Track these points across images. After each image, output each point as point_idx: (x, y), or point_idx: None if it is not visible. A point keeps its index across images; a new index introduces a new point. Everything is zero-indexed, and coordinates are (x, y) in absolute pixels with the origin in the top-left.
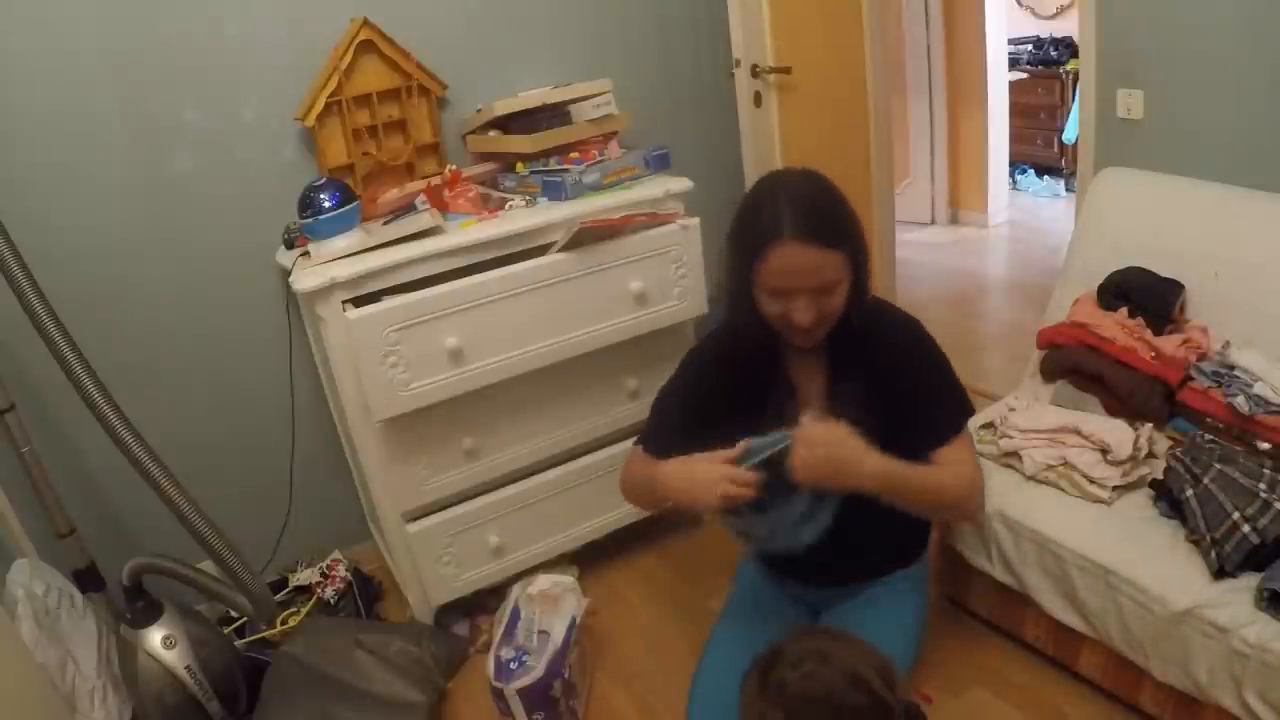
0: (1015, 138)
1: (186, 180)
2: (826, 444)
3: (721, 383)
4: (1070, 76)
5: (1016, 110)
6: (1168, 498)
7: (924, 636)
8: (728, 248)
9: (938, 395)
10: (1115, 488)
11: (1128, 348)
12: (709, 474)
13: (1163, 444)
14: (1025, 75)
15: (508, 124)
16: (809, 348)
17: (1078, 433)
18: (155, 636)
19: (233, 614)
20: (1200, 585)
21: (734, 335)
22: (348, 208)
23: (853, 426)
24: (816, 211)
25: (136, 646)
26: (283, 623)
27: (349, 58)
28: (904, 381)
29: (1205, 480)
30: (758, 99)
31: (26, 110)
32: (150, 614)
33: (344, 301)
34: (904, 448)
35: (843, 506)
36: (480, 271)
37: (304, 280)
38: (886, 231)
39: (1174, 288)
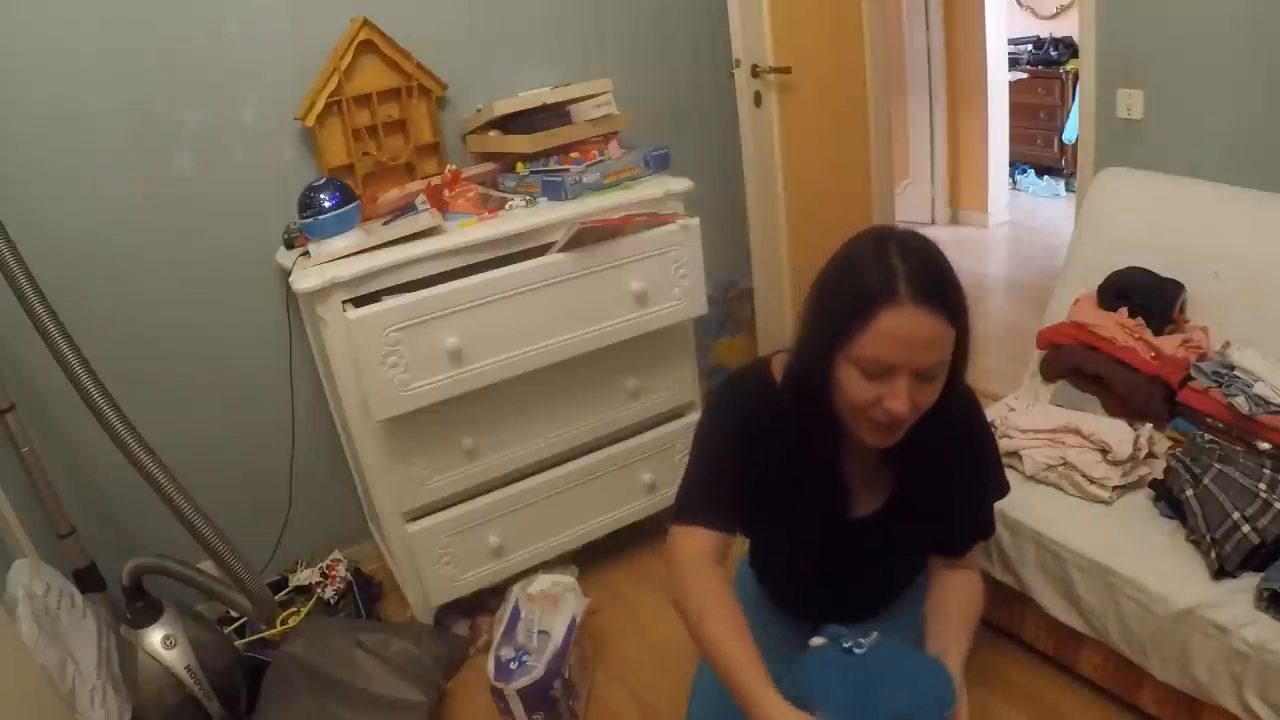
0: (1015, 138)
1: (187, 180)
2: None
3: (772, 463)
4: (1070, 76)
5: (1016, 110)
6: (1168, 498)
7: None
8: (810, 310)
9: (989, 489)
10: (1115, 488)
11: (1128, 348)
12: None
13: (1163, 444)
14: (1025, 75)
15: (508, 124)
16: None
17: (1078, 433)
18: (155, 636)
19: (233, 614)
20: (1200, 585)
21: (791, 412)
22: (348, 208)
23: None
24: (939, 271)
25: (136, 646)
26: (283, 623)
27: (349, 58)
28: (965, 474)
29: (1205, 480)
30: (758, 99)
31: (26, 110)
32: (150, 614)
33: (344, 301)
34: (941, 525)
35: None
36: (480, 271)
37: (304, 280)
38: None
39: (1174, 288)
